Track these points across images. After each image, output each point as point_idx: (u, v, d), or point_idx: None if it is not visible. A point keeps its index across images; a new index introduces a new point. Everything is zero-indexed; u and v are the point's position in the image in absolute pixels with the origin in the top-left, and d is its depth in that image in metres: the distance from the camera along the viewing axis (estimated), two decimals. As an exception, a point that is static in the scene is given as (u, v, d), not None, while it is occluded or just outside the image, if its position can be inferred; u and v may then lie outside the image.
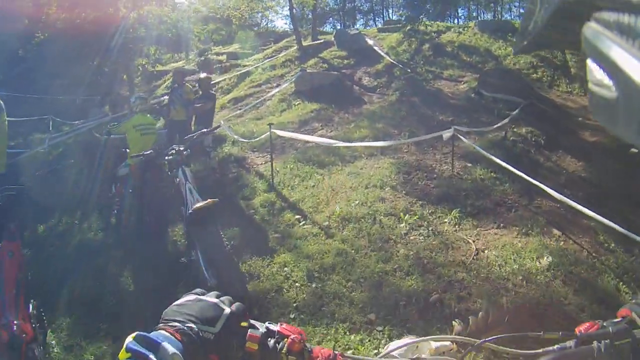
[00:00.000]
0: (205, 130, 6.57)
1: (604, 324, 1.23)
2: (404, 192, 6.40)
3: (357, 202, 6.08)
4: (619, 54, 0.46)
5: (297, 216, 6.05)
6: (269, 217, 6.17)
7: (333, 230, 5.60)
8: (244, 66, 17.30)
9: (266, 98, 13.07)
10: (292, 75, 13.69)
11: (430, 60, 14.09)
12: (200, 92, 9.15)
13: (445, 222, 5.64)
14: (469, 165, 7.48)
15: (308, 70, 13.28)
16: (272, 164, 7.30)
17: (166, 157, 5.35)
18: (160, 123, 9.98)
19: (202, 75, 9.68)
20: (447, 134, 6.84)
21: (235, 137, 9.13)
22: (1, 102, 5.82)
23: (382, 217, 5.67)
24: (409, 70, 13.17)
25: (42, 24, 17.40)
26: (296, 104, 12.00)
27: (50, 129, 14.89)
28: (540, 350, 1.24)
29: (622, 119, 0.47)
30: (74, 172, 10.09)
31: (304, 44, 16.57)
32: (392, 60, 13.88)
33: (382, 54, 14.57)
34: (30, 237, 6.92)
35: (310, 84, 12.46)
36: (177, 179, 5.21)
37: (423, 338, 1.51)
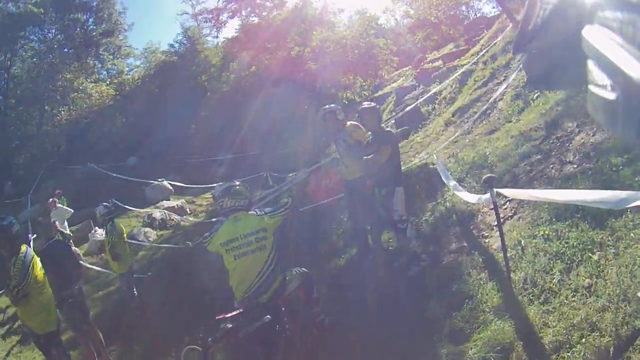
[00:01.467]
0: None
1: None
2: None
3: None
4: (619, 55, 0.49)
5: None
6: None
7: None
8: (462, 65, 14.30)
9: (496, 98, 9.83)
10: (518, 61, 10.18)
11: None
12: (369, 134, 5.92)
13: None
14: None
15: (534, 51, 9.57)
16: (504, 253, 4.09)
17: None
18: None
19: (365, 104, 6.06)
20: None
21: (451, 184, 6.28)
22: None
23: None
24: None
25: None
26: (534, 97, 8.50)
27: (271, 183, 15.12)
28: None
29: (621, 119, 0.51)
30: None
31: (518, 17, 12.75)
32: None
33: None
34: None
35: (543, 65, 8.80)
36: None
37: None
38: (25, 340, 8.57)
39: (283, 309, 4.36)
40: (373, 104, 6.21)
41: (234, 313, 3.95)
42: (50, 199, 13.70)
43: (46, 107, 31.36)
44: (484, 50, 13.43)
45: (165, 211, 16.08)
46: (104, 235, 7.81)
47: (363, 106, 5.89)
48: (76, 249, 12.95)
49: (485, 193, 4.44)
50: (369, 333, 4.64)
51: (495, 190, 4.00)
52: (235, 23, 38.23)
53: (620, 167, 4.69)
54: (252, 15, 22.76)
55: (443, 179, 6.71)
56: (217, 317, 3.89)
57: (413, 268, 5.45)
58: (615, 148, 5.07)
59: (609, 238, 3.87)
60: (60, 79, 30.11)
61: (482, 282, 4.39)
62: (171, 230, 14.79)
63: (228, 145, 22.54)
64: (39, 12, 29.71)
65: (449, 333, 3.95)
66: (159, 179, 19.56)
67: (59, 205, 13.55)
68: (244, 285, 4.23)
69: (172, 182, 19.39)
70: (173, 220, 15.67)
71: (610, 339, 2.89)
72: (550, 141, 6.42)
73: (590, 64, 0.58)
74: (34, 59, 31.61)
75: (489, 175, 4.15)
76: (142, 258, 12.32)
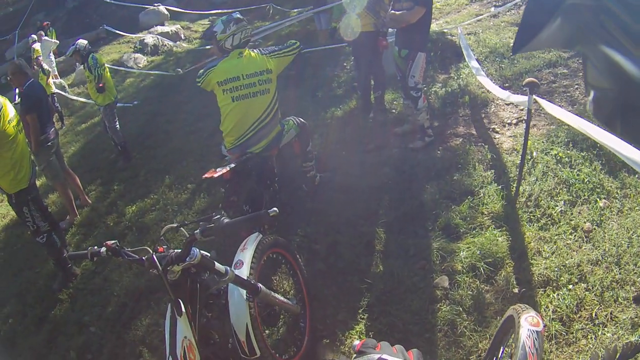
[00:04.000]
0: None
1: None
2: None
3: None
4: (620, 54, 0.50)
5: None
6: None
7: None
8: None
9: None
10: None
11: None
12: None
13: None
14: None
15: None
16: (521, 164, 3.92)
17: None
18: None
19: None
20: None
21: (473, 65, 5.89)
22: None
23: None
24: None
25: None
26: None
27: (269, 16, 14.62)
28: None
29: (621, 117, 0.51)
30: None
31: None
32: None
33: None
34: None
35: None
36: None
37: None
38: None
39: (274, 160, 4.16)
40: None
41: (223, 170, 3.62)
42: (36, 32, 12.61)
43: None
44: None
45: (159, 36, 15.23)
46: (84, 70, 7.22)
47: None
48: (61, 80, 12.62)
49: (520, 94, 4.18)
50: (359, 200, 4.58)
51: (535, 97, 3.73)
52: None
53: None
54: None
55: (465, 56, 6.32)
56: (204, 176, 3.64)
57: (417, 141, 5.31)
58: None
59: (618, 191, 3.83)
60: None
61: (486, 182, 4.33)
62: (163, 56, 14.15)
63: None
64: None
65: (443, 225, 3.93)
66: (155, 4, 18.16)
67: (45, 37, 12.51)
68: (238, 131, 3.90)
69: (169, 7, 18.03)
70: (166, 46, 14.94)
71: (594, 297, 2.97)
72: (580, 61, 6.04)
73: (590, 62, 0.58)
74: None
75: (532, 79, 3.80)
76: (130, 86, 11.89)
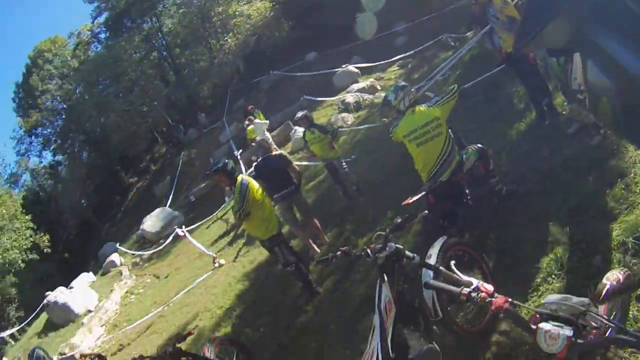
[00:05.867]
0: None
1: None
2: None
3: None
4: (618, 51, 0.55)
5: None
6: None
7: None
8: None
9: None
10: None
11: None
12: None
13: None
14: None
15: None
16: None
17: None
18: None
19: None
20: None
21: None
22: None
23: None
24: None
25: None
26: None
27: (452, 44, 15.00)
28: None
29: (620, 114, 0.60)
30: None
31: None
32: None
33: None
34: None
35: None
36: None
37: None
38: (250, 241, 10.63)
39: (464, 182, 5.06)
40: None
41: (416, 197, 4.72)
42: (247, 119, 15.10)
43: (211, 42, 32.84)
44: None
45: (357, 93, 16.51)
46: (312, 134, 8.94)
47: None
48: (281, 152, 14.45)
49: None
50: (536, 203, 5.11)
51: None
52: None
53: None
54: None
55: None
56: (403, 203, 4.66)
57: (595, 138, 5.38)
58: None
59: None
60: (214, 15, 30.98)
61: (637, 159, 4.43)
62: (367, 110, 15.30)
63: (401, 16, 21.64)
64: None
65: (601, 210, 4.27)
66: (343, 65, 19.69)
67: (256, 120, 14.73)
68: (427, 168, 4.94)
69: (357, 65, 19.38)
70: (366, 100, 16.03)
71: None
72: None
73: (589, 60, 0.62)
74: (181, 10, 33.04)
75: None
76: (344, 143, 13.07)
